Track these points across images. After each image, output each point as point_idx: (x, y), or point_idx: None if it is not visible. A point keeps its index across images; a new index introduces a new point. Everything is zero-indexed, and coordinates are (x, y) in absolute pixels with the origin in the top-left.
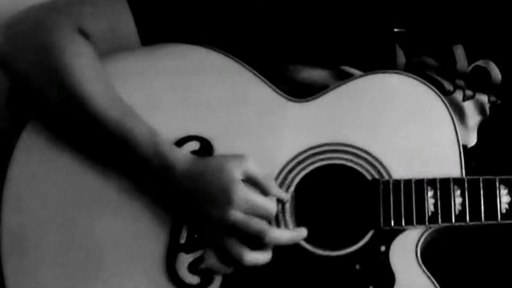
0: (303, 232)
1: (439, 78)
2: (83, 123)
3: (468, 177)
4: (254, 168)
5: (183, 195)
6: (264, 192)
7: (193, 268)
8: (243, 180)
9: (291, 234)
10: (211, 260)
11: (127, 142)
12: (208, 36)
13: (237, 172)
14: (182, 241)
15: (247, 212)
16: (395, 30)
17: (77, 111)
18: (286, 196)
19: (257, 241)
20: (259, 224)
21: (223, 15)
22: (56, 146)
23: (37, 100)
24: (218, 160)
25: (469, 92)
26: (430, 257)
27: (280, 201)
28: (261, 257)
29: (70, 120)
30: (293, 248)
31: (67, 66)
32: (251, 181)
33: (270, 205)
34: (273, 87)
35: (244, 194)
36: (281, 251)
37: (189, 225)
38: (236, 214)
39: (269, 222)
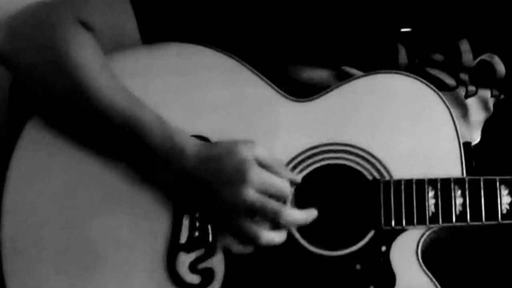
0: (314, 212)
1: (440, 76)
2: (90, 116)
3: (469, 177)
4: (264, 152)
5: (193, 179)
6: (277, 174)
7: (193, 267)
8: None
9: (305, 214)
10: (228, 242)
11: (135, 130)
12: (210, 35)
13: (249, 154)
14: (183, 240)
15: (262, 192)
16: (402, 30)
17: (84, 104)
18: (298, 178)
19: (273, 221)
20: (275, 204)
21: (225, 15)
22: (58, 143)
23: (41, 95)
24: (229, 143)
25: (472, 88)
26: (431, 257)
27: (293, 183)
28: (277, 237)
29: (75, 114)
30: (294, 247)
31: (71, 59)
32: (263, 165)
33: (285, 185)
34: (275, 87)
35: (259, 174)
36: (282, 250)
37: (200, 212)
38: (252, 194)
39: (284, 202)
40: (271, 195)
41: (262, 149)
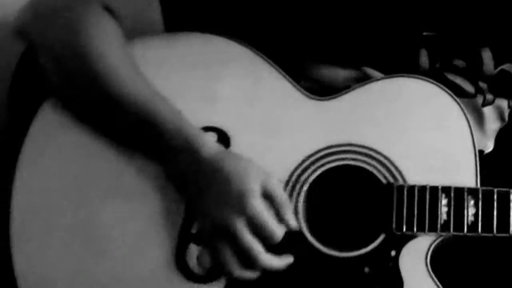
0: (290, 259)
1: (460, 83)
2: (107, 104)
3: (483, 188)
4: (276, 186)
5: (196, 184)
6: (278, 214)
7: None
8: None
9: (281, 261)
10: (204, 258)
11: (152, 121)
12: (232, 27)
13: (258, 182)
14: (194, 230)
15: (253, 228)
16: (424, 33)
17: (102, 92)
18: (296, 225)
19: (248, 260)
20: (256, 247)
21: (248, 8)
22: (72, 129)
23: (60, 79)
24: (245, 163)
25: (489, 97)
26: (440, 265)
27: (288, 227)
28: (249, 275)
29: (92, 101)
30: (304, 245)
31: (94, 46)
32: (269, 199)
33: (277, 233)
34: (294, 83)
35: (258, 210)
36: (292, 248)
37: (195, 214)
38: (241, 226)
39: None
40: (259, 235)
41: (275, 182)
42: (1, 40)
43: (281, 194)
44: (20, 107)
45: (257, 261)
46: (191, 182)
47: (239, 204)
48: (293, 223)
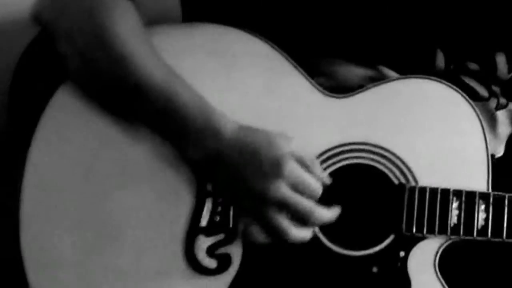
0: (338, 210)
1: (474, 86)
2: (126, 88)
3: (494, 193)
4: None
5: (225, 162)
6: (311, 172)
7: (211, 251)
8: None
9: (331, 213)
10: (254, 231)
11: (172, 105)
12: (248, 21)
13: (287, 149)
14: (203, 223)
15: (295, 188)
16: (440, 35)
17: (121, 75)
18: (328, 179)
19: (302, 219)
20: (308, 203)
21: (265, 3)
22: (88, 112)
23: (77, 64)
24: (267, 133)
25: (503, 101)
26: (447, 267)
27: (323, 183)
28: (305, 235)
29: (111, 85)
30: (313, 243)
31: (112, 29)
32: (299, 160)
33: (317, 186)
34: (310, 79)
35: (294, 170)
36: (301, 244)
37: (227, 196)
38: (285, 189)
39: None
40: (303, 193)
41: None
42: (1, 40)
43: (308, 155)
44: (21, 107)
45: (310, 217)
46: (218, 163)
47: (276, 170)
48: (325, 177)
